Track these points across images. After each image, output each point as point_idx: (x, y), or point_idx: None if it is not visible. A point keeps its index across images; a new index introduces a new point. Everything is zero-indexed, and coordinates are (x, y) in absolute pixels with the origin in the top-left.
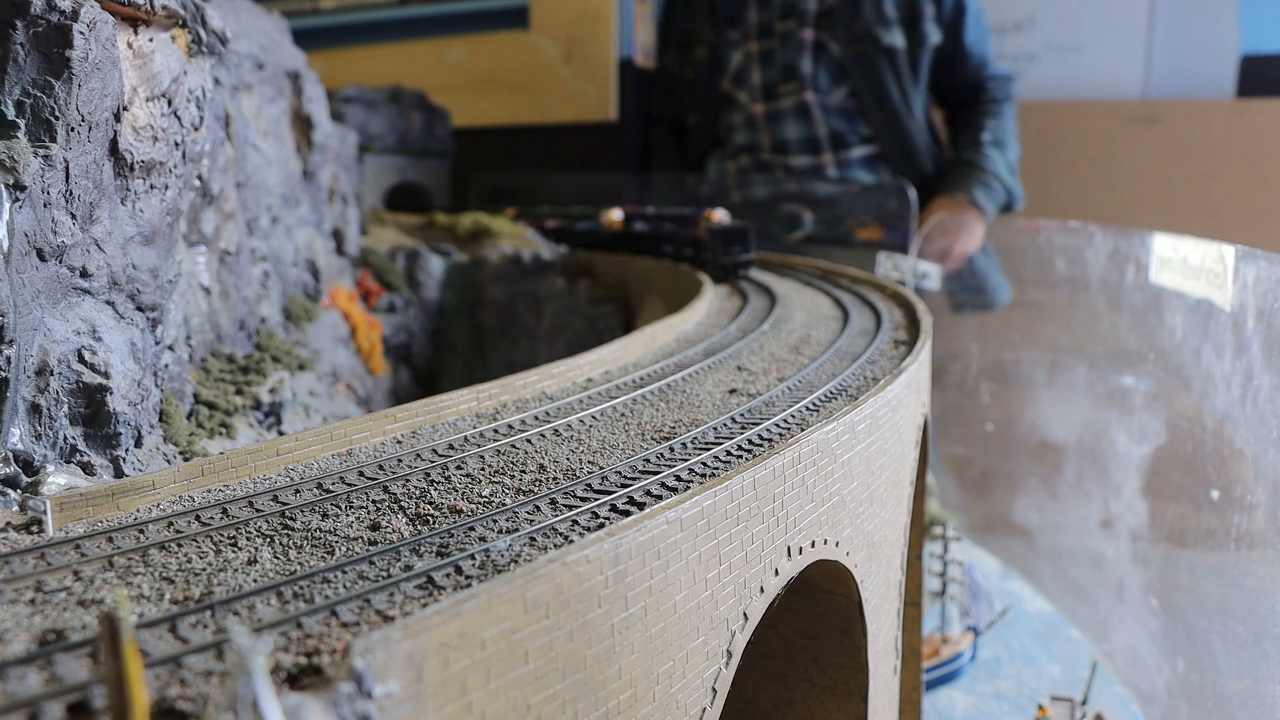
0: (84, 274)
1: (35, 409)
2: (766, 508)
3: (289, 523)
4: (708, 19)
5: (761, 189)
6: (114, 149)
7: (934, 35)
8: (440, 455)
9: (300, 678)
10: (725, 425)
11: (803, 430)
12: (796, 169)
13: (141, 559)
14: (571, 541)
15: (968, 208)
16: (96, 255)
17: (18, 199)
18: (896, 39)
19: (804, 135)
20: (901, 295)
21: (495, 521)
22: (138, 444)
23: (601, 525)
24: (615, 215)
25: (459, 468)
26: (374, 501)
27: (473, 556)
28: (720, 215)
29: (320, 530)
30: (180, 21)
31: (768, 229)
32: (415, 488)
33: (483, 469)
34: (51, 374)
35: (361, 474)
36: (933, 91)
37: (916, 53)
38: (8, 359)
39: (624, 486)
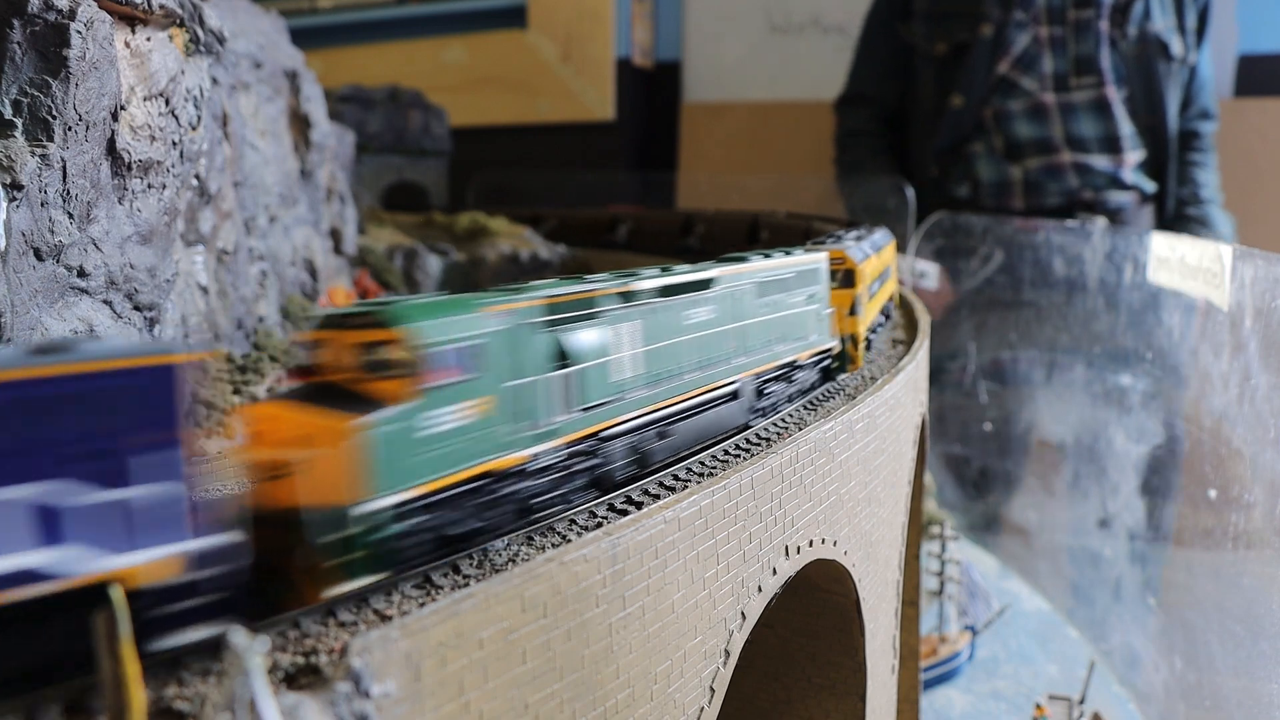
0: (81, 273)
1: None
2: (764, 507)
3: None
4: None
5: (1055, 198)
6: (111, 148)
7: (1192, 53)
8: None
9: (298, 677)
10: None
11: (800, 429)
12: (1096, 170)
13: None
14: (569, 541)
15: None
16: (94, 255)
17: (15, 198)
18: (1177, 48)
19: (1102, 133)
20: (900, 294)
21: None
22: None
23: (599, 524)
24: None
25: None
26: None
27: (470, 555)
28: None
29: None
30: (178, 20)
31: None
32: None
33: None
34: None
35: None
36: None
37: (1182, 66)
38: None
39: (621, 486)
